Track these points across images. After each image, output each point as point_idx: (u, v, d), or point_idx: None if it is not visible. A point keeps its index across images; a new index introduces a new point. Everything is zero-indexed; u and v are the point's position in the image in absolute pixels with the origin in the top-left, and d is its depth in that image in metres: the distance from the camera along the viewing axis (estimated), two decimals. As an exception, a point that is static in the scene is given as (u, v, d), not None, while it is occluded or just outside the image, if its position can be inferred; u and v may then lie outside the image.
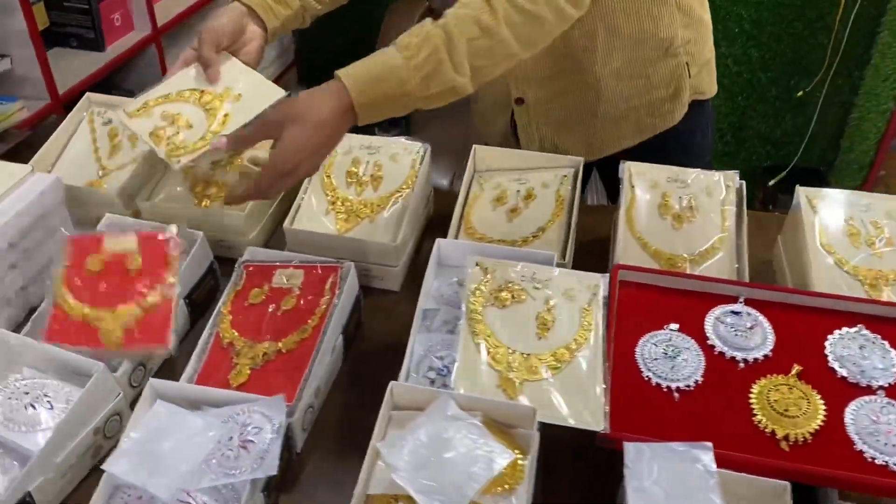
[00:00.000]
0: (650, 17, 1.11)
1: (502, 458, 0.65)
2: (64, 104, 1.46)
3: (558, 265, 0.89)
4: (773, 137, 2.31)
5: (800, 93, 2.10)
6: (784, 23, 2.06)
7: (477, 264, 0.84)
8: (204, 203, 1.07)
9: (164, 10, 1.81)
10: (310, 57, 2.61)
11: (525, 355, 0.78)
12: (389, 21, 1.80)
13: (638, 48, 1.11)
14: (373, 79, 0.82)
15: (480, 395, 0.74)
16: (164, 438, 0.67)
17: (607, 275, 0.85)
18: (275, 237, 1.10)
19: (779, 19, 2.05)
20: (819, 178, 2.19)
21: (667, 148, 1.20)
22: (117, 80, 1.74)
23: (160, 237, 0.88)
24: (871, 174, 2.04)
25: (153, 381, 0.77)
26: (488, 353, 0.78)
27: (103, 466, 0.68)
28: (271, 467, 0.69)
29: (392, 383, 0.73)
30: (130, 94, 1.23)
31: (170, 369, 0.86)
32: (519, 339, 0.79)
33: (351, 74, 0.83)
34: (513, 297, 0.82)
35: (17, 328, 0.93)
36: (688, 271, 0.96)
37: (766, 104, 2.24)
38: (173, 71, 1.04)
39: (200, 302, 0.97)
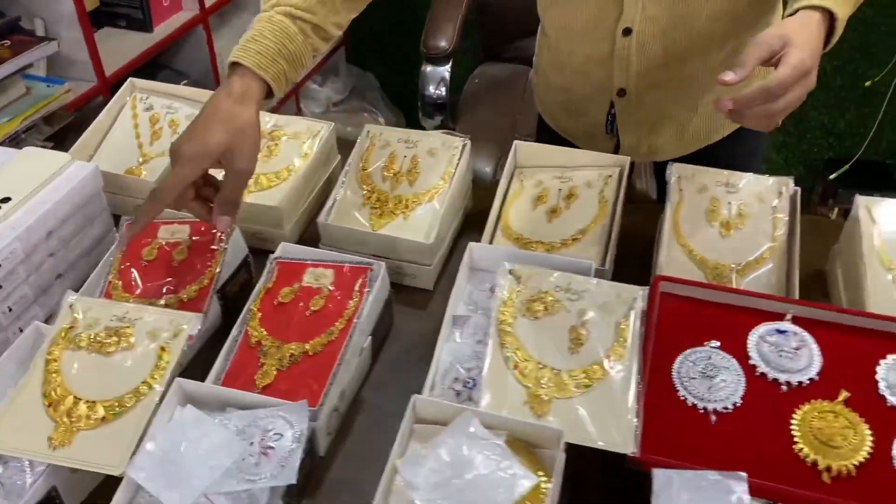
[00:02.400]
0: None
1: (525, 482, 0.63)
2: (111, 86, 1.48)
3: (597, 272, 0.86)
4: (836, 129, 2.20)
5: (868, 82, 1.99)
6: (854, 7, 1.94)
7: (510, 272, 0.81)
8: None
9: (212, -13, 1.81)
10: (357, 36, 2.59)
11: (555, 371, 0.75)
12: (437, 7, 1.76)
13: (748, 33, 1.06)
14: None
15: (507, 411, 0.72)
16: (186, 447, 0.67)
17: (646, 288, 0.81)
18: (309, 230, 1.09)
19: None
20: (885, 173, 2.09)
21: (733, 146, 1.16)
22: (165, 61, 1.74)
23: (210, 230, 0.88)
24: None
25: (180, 381, 0.77)
26: (517, 367, 0.76)
27: (126, 469, 0.69)
28: (290, 476, 0.69)
29: (414, 397, 0.71)
30: (178, 74, 1.23)
31: (200, 364, 0.86)
32: (550, 353, 0.76)
33: None
34: (546, 308, 0.79)
35: (51, 316, 0.95)
36: (734, 282, 0.91)
37: (829, 94, 2.14)
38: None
39: (233, 296, 0.96)
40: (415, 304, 0.99)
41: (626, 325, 0.79)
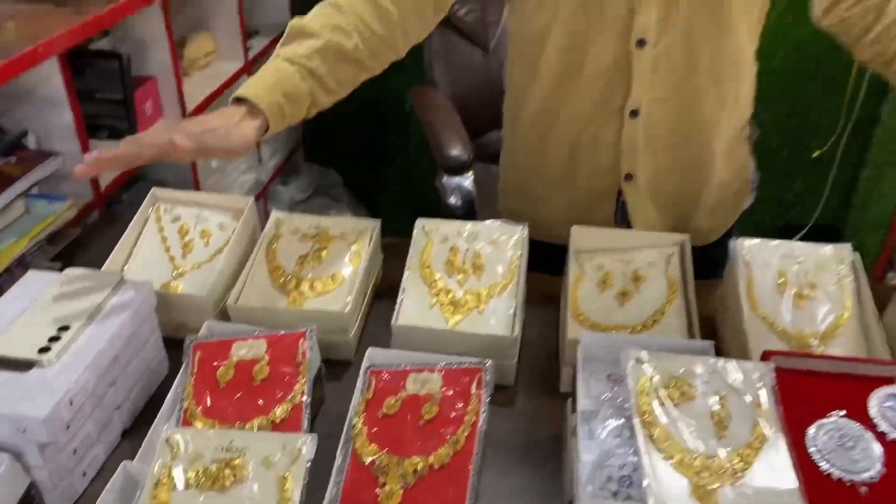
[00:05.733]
0: (751, 82, 1.13)
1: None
2: (105, 198, 1.39)
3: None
4: (785, 198, 2.35)
5: (816, 153, 2.15)
6: (797, 87, 2.12)
7: (637, 360, 0.79)
8: (296, 300, 1.01)
9: (191, 96, 1.77)
10: (315, 135, 2.58)
11: (710, 457, 0.73)
12: (422, 114, 1.78)
13: (742, 117, 1.11)
14: None
15: (676, 506, 0.68)
16: None
17: (772, 365, 0.81)
18: (367, 334, 1.05)
19: (791, 83, 2.11)
20: (837, 236, 2.23)
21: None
22: (150, 168, 1.67)
23: (291, 341, 0.82)
24: (890, 233, 2.08)
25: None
26: (672, 458, 0.73)
27: None
28: None
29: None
30: (161, 183, 1.19)
31: (308, 492, 0.78)
32: (700, 439, 0.74)
33: None
34: (682, 394, 0.77)
35: (112, 452, 0.85)
36: (818, 351, 0.93)
37: (777, 165, 2.29)
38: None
39: (314, 410, 0.89)
40: (500, 402, 0.95)
41: (759, 403, 0.78)
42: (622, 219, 1.19)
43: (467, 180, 1.60)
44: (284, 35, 1.02)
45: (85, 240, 1.24)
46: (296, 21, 1.02)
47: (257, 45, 2.27)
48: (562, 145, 1.16)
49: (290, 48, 0.99)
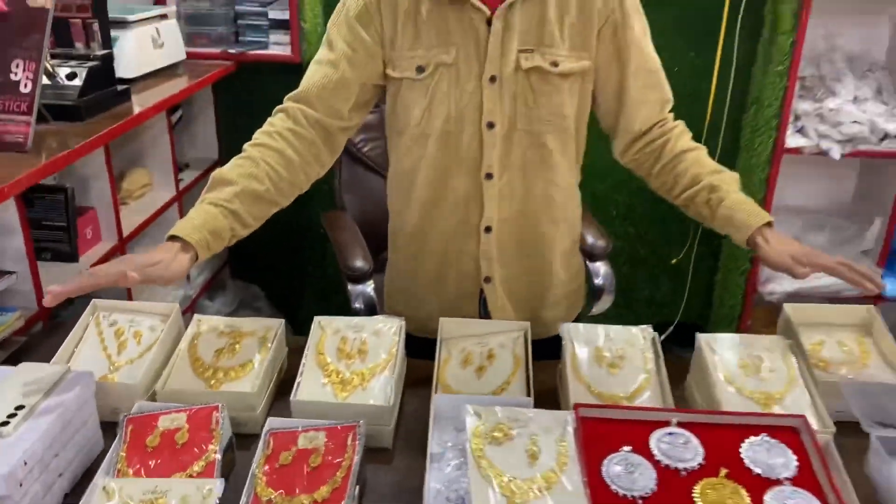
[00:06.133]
0: (577, 205, 1.46)
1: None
2: (49, 312, 1.60)
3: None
4: (655, 299, 2.69)
5: (673, 260, 2.51)
6: (651, 206, 2.51)
7: (474, 412, 1.05)
8: (213, 385, 1.24)
9: (128, 223, 2.02)
10: (239, 254, 2.84)
11: (523, 480, 0.98)
12: (332, 234, 2.06)
13: (574, 231, 1.44)
14: None
15: (494, 514, 0.92)
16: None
17: (572, 412, 1.07)
18: (273, 412, 1.27)
19: (647, 204, 2.51)
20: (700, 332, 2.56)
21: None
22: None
23: (206, 412, 1.04)
24: (741, 326, 2.43)
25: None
26: (494, 481, 0.97)
27: None
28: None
29: (425, 511, 0.91)
30: (98, 296, 1.40)
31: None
32: (516, 467, 0.99)
33: None
34: (504, 434, 1.03)
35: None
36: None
37: (645, 270, 2.65)
38: None
39: (226, 472, 1.10)
40: (380, 460, 1.18)
41: (564, 440, 1.04)
42: (484, 314, 1.47)
43: (369, 287, 1.87)
44: (209, 184, 1.28)
45: (30, 346, 1.44)
46: (217, 172, 1.29)
47: (188, 177, 2.55)
48: (433, 256, 1.46)
49: (213, 194, 1.26)
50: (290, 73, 2.56)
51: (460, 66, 1.30)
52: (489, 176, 1.36)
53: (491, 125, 1.32)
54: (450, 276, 1.46)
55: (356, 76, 1.34)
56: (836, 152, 2.18)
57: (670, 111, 1.40)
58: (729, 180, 1.32)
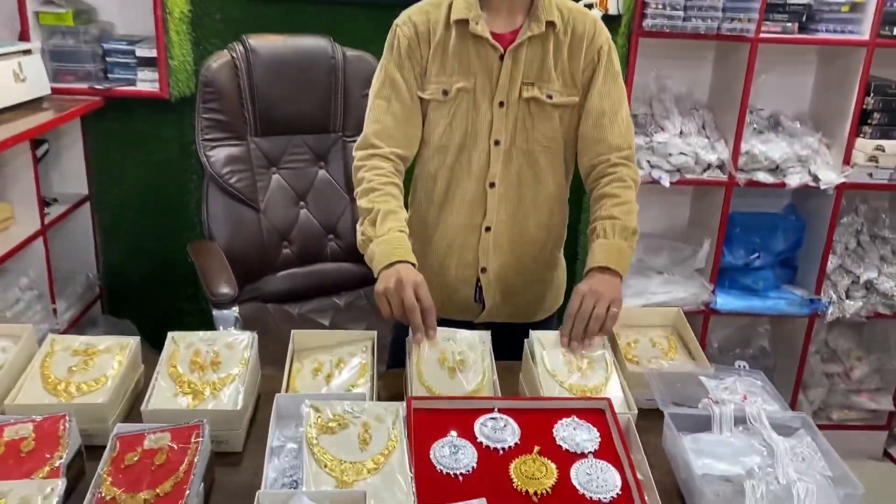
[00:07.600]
0: (564, 215, 1.75)
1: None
2: None
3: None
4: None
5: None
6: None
7: (311, 406, 1.14)
8: (63, 398, 1.27)
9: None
10: (112, 290, 2.82)
11: (352, 463, 1.08)
12: (198, 262, 2.11)
13: (559, 237, 1.76)
14: None
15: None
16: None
17: (404, 403, 1.19)
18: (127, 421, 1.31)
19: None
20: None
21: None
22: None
23: (52, 422, 1.09)
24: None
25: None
26: (326, 465, 1.07)
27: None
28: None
29: (259, 492, 0.99)
30: None
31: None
32: (347, 452, 1.09)
33: None
34: (339, 424, 1.13)
35: None
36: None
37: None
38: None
39: (73, 480, 1.14)
40: (230, 463, 1.25)
41: (395, 428, 1.15)
42: (478, 298, 1.71)
43: (234, 313, 1.94)
44: (381, 215, 1.50)
45: None
46: (384, 207, 1.51)
47: (55, 211, 2.54)
48: (441, 246, 1.71)
49: (396, 223, 1.50)
50: (158, 108, 2.63)
51: (477, 91, 1.58)
52: (492, 185, 1.63)
53: (497, 142, 1.60)
54: (452, 264, 1.71)
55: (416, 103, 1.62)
56: (665, 180, 2.43)
57: (625, 157, 1.61)
58: (610, 228, 1.55)
